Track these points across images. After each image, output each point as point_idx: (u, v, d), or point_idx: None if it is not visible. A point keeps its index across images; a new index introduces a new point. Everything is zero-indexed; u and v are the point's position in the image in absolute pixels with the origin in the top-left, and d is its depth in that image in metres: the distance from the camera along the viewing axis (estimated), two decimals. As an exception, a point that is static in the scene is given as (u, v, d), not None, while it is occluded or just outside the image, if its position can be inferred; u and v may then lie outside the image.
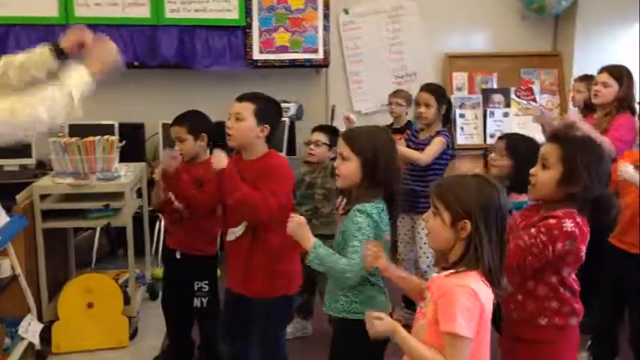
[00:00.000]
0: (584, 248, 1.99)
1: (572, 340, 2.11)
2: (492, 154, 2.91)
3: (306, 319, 3.65)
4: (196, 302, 3.05)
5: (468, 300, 1.62)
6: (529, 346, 2.06)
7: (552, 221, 1.95)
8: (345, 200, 2.26)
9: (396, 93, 4.64)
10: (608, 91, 3.48)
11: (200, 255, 3.01)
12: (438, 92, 3.69)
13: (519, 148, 2.69)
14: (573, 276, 2.09)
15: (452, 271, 1.70)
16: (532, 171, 2.03)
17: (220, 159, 2.41)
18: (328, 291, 2.28)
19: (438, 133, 3.62)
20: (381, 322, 1.72)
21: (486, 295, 1.67)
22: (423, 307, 1.78)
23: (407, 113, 4.56)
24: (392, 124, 4.60)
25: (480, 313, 1.64)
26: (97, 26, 4.61)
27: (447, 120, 3.74)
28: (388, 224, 2.19)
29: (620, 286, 3.10)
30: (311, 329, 3.66)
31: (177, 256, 3.06)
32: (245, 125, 2.49)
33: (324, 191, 3.38)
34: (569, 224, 1.93)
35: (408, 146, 3.71)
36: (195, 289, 3.04)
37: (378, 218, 2.12)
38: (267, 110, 2.55)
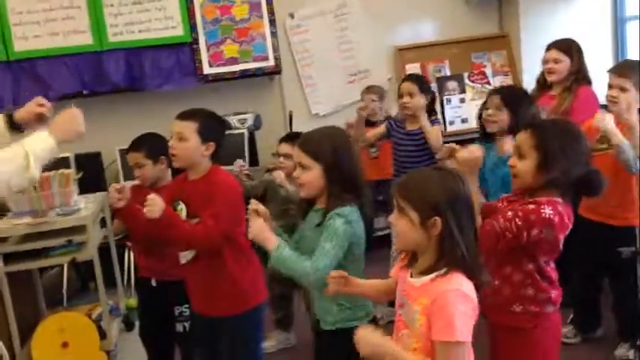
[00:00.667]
0: (562, 238, 1.97)
1: (550, 328, 2.09)
2: (489, 111, 2.91)
3: (287, 330, 3.60)
4: (179, 327, 2.99)
5: (463, 304, 1.57)
6: (506, 333, 2.05)
7: (531, 206, 1.92)
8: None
9: (369, 89, 4.63)
10: (561, 66, 3.50)
11: (177, 279, 2.94)
12: (421, 81, 3.69)
13: (515, 99, 2.70)
14: (552, 265, 2.06)
15: (434, 275, 1.63)
16: (510, 162, 2.01)
17: (154, 207, 2.29)
18: (319, 305, 2.22)
19: (432, 122, 3.61)
20: (366, 343, 1.65)
21: (473, 292, 1.62)
22: (403, 315, 1.72)
23: (381, 108, 4.56)
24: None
25: (474, 310, 1.61)
26: (39, 59, 4.55)
27: (432, 111, 3.72)
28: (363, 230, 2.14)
29: (598, 257, 3.13)
30: (294, 340, 3.61)
31: (153, 283, 2.99)
32: (189, 145, 2.42)
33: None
34: (548, 211, 1.90)
35: (395, 138, 3.71)
36: (177, 314, 2.97)
37: (357, 225, 2.08)
38: (211, 127, 2.48)
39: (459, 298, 1.57)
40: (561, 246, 2.00)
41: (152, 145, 2.98)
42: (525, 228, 1.92)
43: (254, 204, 2.16)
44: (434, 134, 3.53)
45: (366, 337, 1.66)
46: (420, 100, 3.59)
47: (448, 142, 4.41)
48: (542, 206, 1.91)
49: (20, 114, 2.25)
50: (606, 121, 2.81)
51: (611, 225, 3.00)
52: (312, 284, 2.06)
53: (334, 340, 2.17)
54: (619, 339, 3.15)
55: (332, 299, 2.11)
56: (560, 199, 1.94)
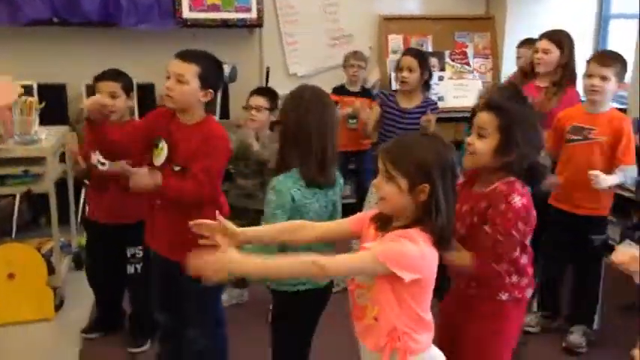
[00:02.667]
0: (534, 212, 1.96)
1: (523, 307, 2.11)
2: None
3: (243, 286, 3.58)
4: (130, 269, 2.95)
5: (409, 245, 1.59)
6: (485, 319, 2.02)
7: (502, 207, 1.88)
8: None
9: (356, 54, 4.56)
10: (550, 57, 3.45)
11: (132, 221, 2.86)
12: (422, 56, 3.62)
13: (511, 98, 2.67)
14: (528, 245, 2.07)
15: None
16: (468, 139, 1.99)
17: (141, 181, 2.27)
18: None
19: (430, 106, 3.55)
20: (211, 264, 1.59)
21: (425, 244, 1.63)
22: (358, 278, 1.72)
23: (364, 76, 4.53)
24: (342, 85, 4.54)
25: (421, 258, 1.61)
26: (10, -21, 4.32)
27: (428, 87, 3.68)
28: (322, 195, 2.13)
29: (561, 245, 3.18)
30: (247, 296, 3.60)
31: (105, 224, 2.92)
32: (188, 89, 2.31)
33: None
34: (517, 199, 1.88)
35: (386, 111, 3.63)
36: (129, 255, 2.92)
37: (297, 194, 2.06)
38: (212, 74, 2.38)
39: (404, 239, 1.60)
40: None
41: (127, 79, 2.93)
42: (512, 228, 1.89)
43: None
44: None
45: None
46: (418, 77, 3.53)
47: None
48: (510, 197, 1.89)
49: None
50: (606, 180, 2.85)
51: (579, 214, 3.06)
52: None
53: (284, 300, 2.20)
54: (571, 323, 3.23)
55: None
56: (514, 178, 1.95)
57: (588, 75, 2.97)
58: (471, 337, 2.03)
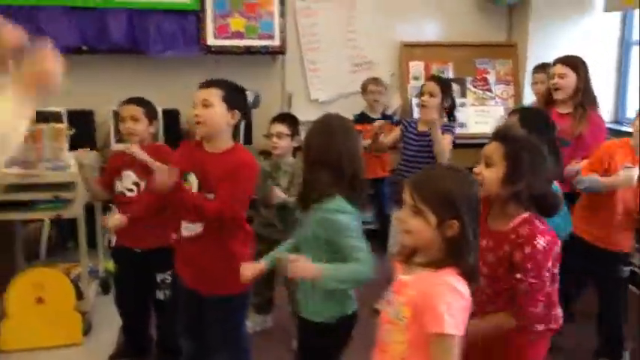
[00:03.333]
0: (558, 244, 1.96)
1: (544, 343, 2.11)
2: None
3: (266, 312, 3.58)
4: (159, 295, 2.97)
5: (452, 297, 1.57)
6: (517, 349, 2.02)
7: (528, 250, 1.88)
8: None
9: (375, 81, 4.61)
10: (567, 81, 3.44)
11: (160, 246, 2.89)
12: (445, 84, 3.67)
13: (533, 120, 2.68)
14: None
15: (428, 271, 1.64)
16: (476, 170, 2.00)
17: (164, 178, 2.30)
18: (305, 295, 2.22)
19: (445, 128, 3.56)
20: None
21: (467, 291, 1.62)
22: (390, 312, 1.71)
23: (385, 101, 4.57)
24: (362, 113, 4.59)
25: (465, 309, 1.60)
26: (41, 8, 4.44)
27: (452, 117, 3.70)
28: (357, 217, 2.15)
29: (576, 274, 3.12)
30: (271, 322, 3.60)
31: (137, 251, 2.96)
32: (215, 111, 2.37)
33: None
34: (541, 241, 1.88)
35: (406, 137, 3.67)
36: (158, 281, 2.95)
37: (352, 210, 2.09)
38: (236, 96, 2.46)
39: (448, 291, 1.57)
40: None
41: (151, 106, 2.99)
42: (543, 269, 1.89)
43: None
44: (442, 145, 3.45)
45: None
46: (438, 102, 3.56)
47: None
48: (535, 240, 1.88)
49: None
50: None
51: (604, 249, 3.02)
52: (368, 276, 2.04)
53: (320, 331, 2.20)
54: (597, 355, 3.18)
55: (322, 293, 2.13)
56: (529, 214, 1.94)
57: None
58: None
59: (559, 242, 1.95)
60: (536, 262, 1.87)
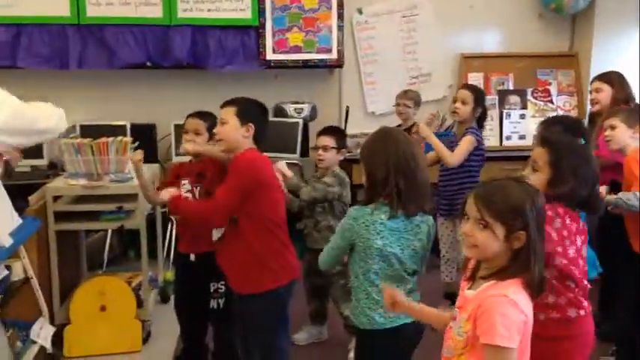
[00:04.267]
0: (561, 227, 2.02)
1: (579, 337, 2.07)
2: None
3: (321, 323, 3.58)
4: (213, 304, 3.00)
5: (507, 309, 1.54)
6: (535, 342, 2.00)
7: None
8: None
9: (405, 94, 4.58)
10: (603, 95, 3.54)
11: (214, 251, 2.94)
12: (478, 92, 3.70)
13: (572, 129, 2.70)
14: (572, 267, 2.06)
15: (492, 282, 1.62)
16: (524, 173, 2.08)
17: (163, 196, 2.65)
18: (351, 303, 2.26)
19: (467, 131, 3.58)
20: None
21: (527, 304, 1.59)
22: (453, 327, 1.69)
23: (415, 114, 4.51)
24: (399, 124, 4.55)
25: (524, 323, 1.56)
26: (108, 26, 4.63)
27: (481, 125, 3.71)
28: (390, 230, 2.12)
29: None
30: (326, 334, 3.59)
31: (192, 258, 3.01)
32: (228, 127, 2.58)
33: (323, 205, 3.26)
34: (557, 222, 1.99)
35: (449, 148, 3.66)
36: (212, 290, 2.98)
37: (364, 221, 2.12)
38: (249, 109, 2.64)
39: (504, 303, 1.55)
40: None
41: (214, 122, 3.02)
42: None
43: None
44: (442, 151, 3.53)
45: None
46: (470, 110, 3.57)
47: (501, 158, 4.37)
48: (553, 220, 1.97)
49: None
50: None
51: None
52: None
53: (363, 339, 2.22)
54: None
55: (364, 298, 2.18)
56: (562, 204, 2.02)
57: None
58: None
59: (582, 233, 2.04)
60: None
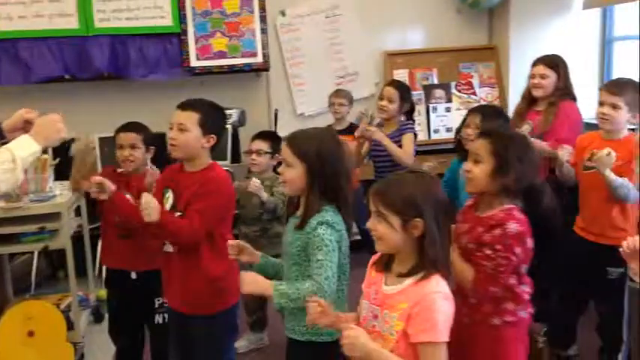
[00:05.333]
0: (531, 241, 2.02)
1: (523, 327, 2.13)
2: (468, 130, 2.93)
3: (261, 330, 3.56)
4: (158, 319, 2.93)
5: (444, 305, 1.60)
6: (483, 346, 2.06)
7: (497, 232, 1.96)
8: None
9: (338, 93, 4.61)
10: (547, 81, 3.51)
11: (157, 268, 2.84)
12: (403, 88, 3.72)
13: (495, 119, 2.72)
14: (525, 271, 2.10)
15: (413, 279, 1.65)
16: (465, 166, 2.09)
17: (151, 211, 2.25)
18: (289, 312, 2.15)
19: (405, 128, 3.61)
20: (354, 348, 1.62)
21: (451, 294, 1.65)
22: (379, 327, 1.70)
23: (348, 113, 4.55)
24: (330, 126, 4.57)
25: (452, 315, 1.64)
26: (22, 40, 4.45)
27: (410, 120, 3.75)
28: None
29: (585, 276, 3.09)
30: (267, 340, 3.57)
31: (133, 276, 2.91)
32: (190, 136, 2.36)
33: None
34: (512, 226, 1.96)
35: (375, 146, 3.69)
36: (157, 305, 2.91)
37: (341, 227, 2.04)
38: (213, 119, 2.44)
39: (443, 300, 1.61)
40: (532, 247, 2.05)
41: (148, 133, 2.97)
42: (510, 252, 1.96)
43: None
44: (396, 152, 3.54)
45: (356, 340, 1.62)
46: (397, 107, 3.61)
47: (430, 151, 4.47)
48: (506, 225, 1.96)
49: (7, 123, 2.19)
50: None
51: (601, 244, 2.95)
52: (327, 299, 1.91)
53: (302, 351, 2.13)
54: (598, 357, 3.14)
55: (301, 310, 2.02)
56: (513, 205, 2.02)
57: (599, 103, 2.95)
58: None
59: (530, 240, 2.01)
60: (505, 244, 1.95)
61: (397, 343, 1.64)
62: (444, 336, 1.60)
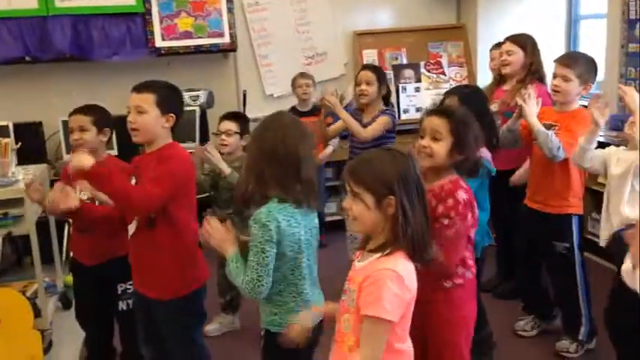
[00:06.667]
0: (476, 206, 2.15)
1: (471, 287, 2.24)
2: None
3: (233, 313, 3.53)
4: (122, 305, 2.88)
5: (394, 284, 1.59)
6: (435, 308, 2.14)
7: (450, 202, 2.06)
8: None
9: (303, 76, 4.58)
10: (514, 58, 3.53)
11: (120, 256, 2.80)
12: (379, 71, 3.70)
13: (472, 100, 2.73)
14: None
15: (378, 255, 1.65)
16: (423, 143, 2.15)
17: (80, 159, 2.15)
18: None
19: (383, 111, 3.59)
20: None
21: (412, 278, 1.65)
22: (346, 301, 1.73)
23: (314, 95, 4.55)
24: (292, 107, 4.56)
25: (409, 299, 1.63)
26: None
27: (388, 103, 3.72)
28: (309, 222, 2.04)
29: (532, 245, 3.17)
30: (239, 323, 3.55)
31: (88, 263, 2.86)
32: (148, 118, 2.32)
33: None
34: (462, 194, 2.07)
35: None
36: (119, 292, 2.86)
37: (284, 223, 1.94)
38: (170, 98, 2.39)
39: (392, 278, 1.60)
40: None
41: (101, 115, 2.87)
42: (464, 219, 2.07)
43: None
44: (353, 126, 3.55)
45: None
46: (376, 90, 3.58)
47: (400, 131, 4.48)
48: (456, 193, 2.07)
49: None
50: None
51: (547, 213, 3.03)
52: (254, 296, 1.97)
53: (267, 340, 2.11)
54: (562, 332, 3.21)
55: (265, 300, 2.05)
56: (456, 175, 2.15)
57: (553, 75, 3.02)
58: (430, 333, 2.16)
59: (476, 206, 2.13)
60: (458, 211, 2.05)
61: (354, 315, 1.67)
62: (388, 314, 1.58)
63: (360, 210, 1.66)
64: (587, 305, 3.08)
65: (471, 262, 2.23)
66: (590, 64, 3.01)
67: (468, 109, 2.62)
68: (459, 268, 2.17)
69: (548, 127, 2.95)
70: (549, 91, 3.14)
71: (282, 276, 2.00)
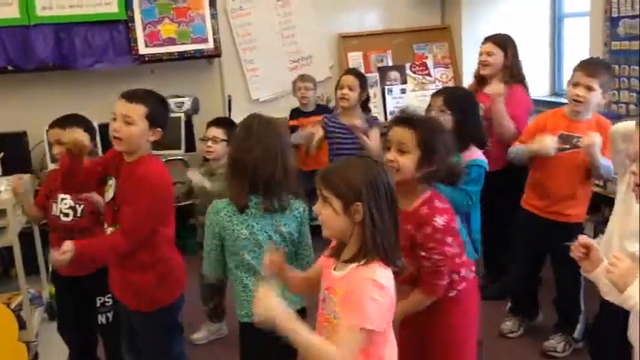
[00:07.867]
0: (456, 221, 2.11)
1: (472, 285, 2.19)
2: (432, 113, 2.89)
3: (219, 320, 3.51)
4: (101, 319, 2.87)
5: (375, 293, 1.57)
6: (435, 317, 2.11)
7: (428, 230, 1.99)
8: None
9: (303, 78, 4.56)
10: (494, 59, 3.54)
11: (98, 268, 2.78)
12: (362, 77, 3.70)
13: (459, 101, 2.70)
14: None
15: (355, 264, 1.63)
16: (390, 157, 2.05)
17: (59, 259, 2.22)
18: (236, 296, 2.19)
19: (371, 123, 3.56)
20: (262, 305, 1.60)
21: (391, 283, 1.63)
22: (325, 310, 1.70)
23: (315, 96, 4.54)
24: (295, 108, 4.53)
25: (391, 304, 1.61)
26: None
27: (366, 109, 3.70)
28: (255, 217, 2.09)
29: (535, 249, 3.16)
30: (226, 330, 3.52)
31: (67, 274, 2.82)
32: (135, 130, 2.27)
33: None
34: (439, 220, 1.99)
35: (330, 132, 3.66)
36: (98, 305, 2.84)
37: (226, 212, 2.09)
38: (159, 112, 2.35)
39: (373, 287, 1.58)
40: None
41: (88, 125, 2.84)
42: (444, 245, 2.00)
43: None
44: (373, 143, 3.46)
45: (265, 299, 1.60)
46: (357, 95, 3.57)
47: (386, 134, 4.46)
48: (433, 219, 1.99)
49: None
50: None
51: (556, 221, 3.00)
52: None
53: (244, 333, 2.18)
54: (554, 330, 3.20)
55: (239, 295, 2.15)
56: (430, 192, 2.06)
57: (574, 84, 2.90)
58: (429, 339, 2.12)
59: (455, 221, 2.08)
60: (436, 240, 1.99)
61: (336, 326, 1.63)
62: (372, 323, 1.55)
63: (329, 214, 1.64)
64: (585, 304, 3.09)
65: (466, 260, 2.15)
66: (610, 72, 2.97)
67: (453, 111, 2.62)
68: (455, 275, 2.09)
69: (570, 138, 2.90)
70: (569, 99, 2.98)
71: (232, 269, 2.14)
